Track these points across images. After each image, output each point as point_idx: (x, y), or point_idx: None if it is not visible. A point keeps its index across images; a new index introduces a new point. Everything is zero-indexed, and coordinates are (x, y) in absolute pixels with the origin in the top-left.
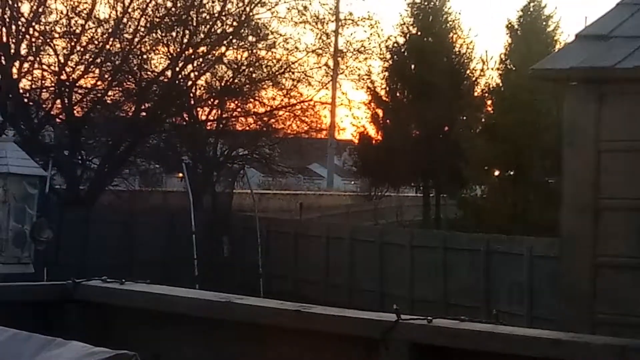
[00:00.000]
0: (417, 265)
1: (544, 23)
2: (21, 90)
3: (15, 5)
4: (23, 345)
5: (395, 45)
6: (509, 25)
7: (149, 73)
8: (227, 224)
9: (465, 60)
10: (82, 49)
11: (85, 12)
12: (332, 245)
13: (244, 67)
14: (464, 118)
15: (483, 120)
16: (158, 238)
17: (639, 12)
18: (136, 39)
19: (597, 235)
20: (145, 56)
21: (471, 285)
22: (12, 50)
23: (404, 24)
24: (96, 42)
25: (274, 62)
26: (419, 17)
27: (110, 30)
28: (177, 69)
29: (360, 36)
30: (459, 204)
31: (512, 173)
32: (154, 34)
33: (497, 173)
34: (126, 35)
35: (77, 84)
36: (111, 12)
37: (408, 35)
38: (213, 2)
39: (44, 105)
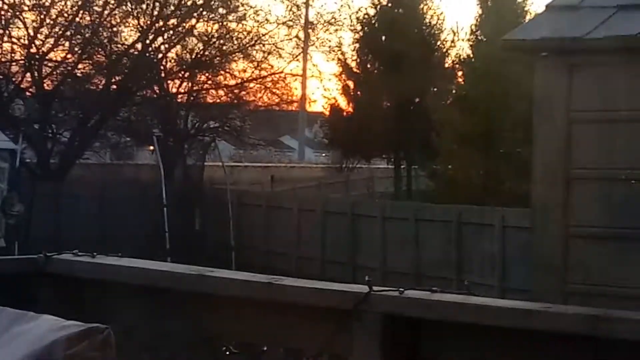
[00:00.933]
0: (389, 237)
1: None
2: None
3: None
4: None
5: (366, 16)
6: None
7: (119, 46)
8: (199, 197)
9: (436, 32)
10: (51, 22)
11: None
12: (303, 217)
13: (214, 40)
14: (435, 89)
15: (454, 91)
16: (129, 211)
17: None
18: (106, 12)
19: (568, 206)
20: (115, 29)
21: (443, 256)
22: None
23: None
24: (66, 14)
25: (244, 34)
26: None
27: (79, 2)
28: (148, 41)
29: (331, 8)
30: (429, 176)
31: (483, 144)
32: (123, 7)
33: (468, 144)
34: (96, 8)
35: (46, 57)
36: None
37: (379, 6)
38: None
39: (13, 79)
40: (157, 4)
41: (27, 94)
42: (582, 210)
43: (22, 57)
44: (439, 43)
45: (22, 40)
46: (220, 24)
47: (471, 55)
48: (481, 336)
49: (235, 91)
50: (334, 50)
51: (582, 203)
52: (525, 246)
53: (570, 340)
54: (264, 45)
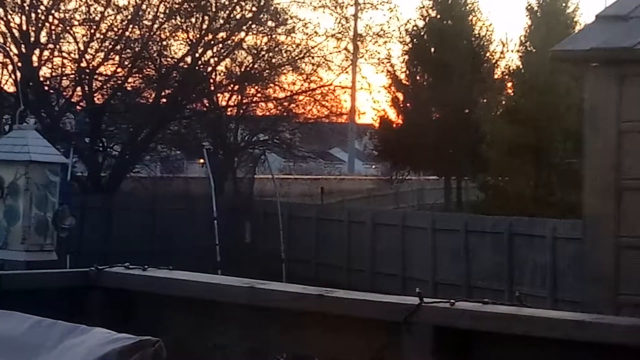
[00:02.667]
0: (439, 248)
1: (564, 4)
2: (41, 78)
3: None
4: (47, 332)
5: (415, 28)
6: (529, 7)
7: (168, 59)
8: (249, 210)
9: (485, 43)
10: (101, 36)
11: None
12: (353, 229)
13: (263, 53)
14: (485, 101)
15: (503, 102)
16: (180, 224)
17: None
18: (155, 26)
19: (619, 216)
20: (164, 42)
21: (494, 267)
22: (32, 38)
23: (424, 7)
24: (115, 29)
25: (293, 46)
26: (438, 0)
27: (129, 17)
28: (197, 55)
29: (380, 20)
30: (480, 187)
31: (533, 155)
32: (173, 20)
33: (518, 155)
34: (145, 22)
35: (97, 71)
36: None
37: (427, 18)
38: None
39: (64, 93)
40: (206, 17)
41: (78, 108)
42: (633, 221)
43: (73, 72)
44: (488, 54)
45: (72, 55)
46: (270, 36)
47: (521, 67)
48: (533, 348)
49: (285, 104)
50: (383, 63)
51: (633, 214)
52: (576, 257)
53: (623, 351)
54: (313, 57)
